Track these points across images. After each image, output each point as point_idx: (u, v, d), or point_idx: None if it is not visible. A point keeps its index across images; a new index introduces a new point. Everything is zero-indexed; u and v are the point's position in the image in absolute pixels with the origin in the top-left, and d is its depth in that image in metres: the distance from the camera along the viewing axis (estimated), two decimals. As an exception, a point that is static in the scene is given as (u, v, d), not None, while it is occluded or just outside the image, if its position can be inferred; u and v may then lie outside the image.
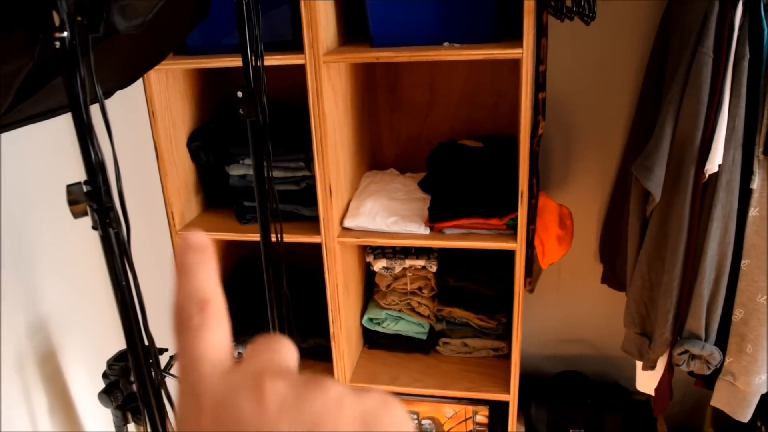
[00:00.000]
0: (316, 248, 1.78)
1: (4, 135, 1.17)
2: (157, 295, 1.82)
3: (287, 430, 0.24)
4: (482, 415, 2.01)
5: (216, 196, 2.01)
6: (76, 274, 1.41)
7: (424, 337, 1.99)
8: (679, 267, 1.50)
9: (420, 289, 1.95)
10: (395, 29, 1.61)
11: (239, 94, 1.10)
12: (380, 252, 1.93)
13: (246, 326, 1.99)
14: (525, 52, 1.47)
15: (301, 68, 1.58)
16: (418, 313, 1.96)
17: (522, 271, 1.67)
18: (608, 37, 1.88)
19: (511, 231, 1.66)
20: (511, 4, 1.57)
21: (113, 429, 1.26)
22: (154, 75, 1.72)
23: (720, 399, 1.60)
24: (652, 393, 1.72)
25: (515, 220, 1.62)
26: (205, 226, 1.89)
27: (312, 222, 1.77)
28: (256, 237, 1.30)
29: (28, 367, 1.27)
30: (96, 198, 0.68)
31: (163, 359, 1.24)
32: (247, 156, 1.81)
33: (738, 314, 1.53)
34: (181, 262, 0.28)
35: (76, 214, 0.69)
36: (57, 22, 0.63)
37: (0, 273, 1.15)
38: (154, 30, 1.10)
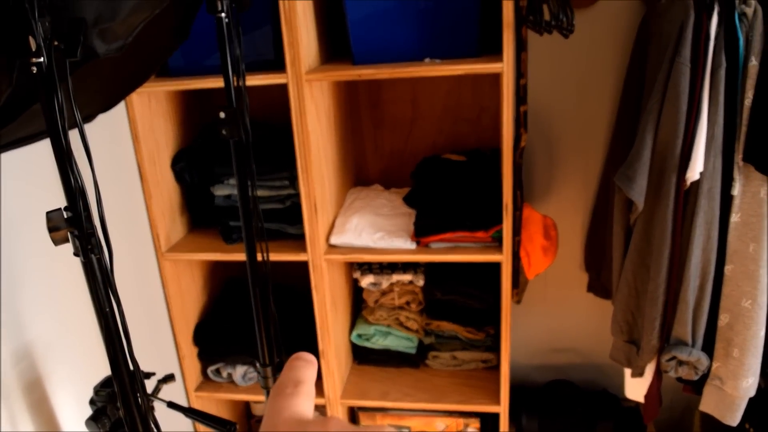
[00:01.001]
0: (303, 266, 1.78)
1: (-15, 161, 1.16)
2: (143, 319, 1.80)
3: None
4: (474, 428, 2.00)
5: (202, 216, 2.01)
6: (62, 300, 1.40)
7: (414, 351, 1.99)
8: (664, 274, 1.51)
9: (408, 303, 1.95)
10: (376, 46, 1.62)
11: (221, 114, 1.10)
12: (367, 268, 1.93)
13: (234, 346, 1.98)
14: (505, 67, 1.49)
15: (284, 87, 1.58)
16: (407, 328, 1.96)
17: (508, 282, 1.68)
18: (587, 49, 1.91)
19: (497, 243, 1.67)
20: (492, 19, 1.59)
21: (101, 455, 1.25)
22: (137, 97, 1.72)
23: (709, 404, 1.61)
24: (642, 400, 1.73)
25: (500, 232, 1.63)
26: (191, 247, 1.88)
27: (298, 240, 1.77)
28: (242, 257, 1.30)
29: (14, 395, 1.25)
30: (77, 224, 0.68)
31: (150, 384, 1.23)
32: (231, 176, 1.81)
33: (724, 319, 1.54)
34: (291, 362, 0.36)
35: (57, 241, 0.69)
36: (33, 47, 0.63)
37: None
38: (135, 52, 1.10)
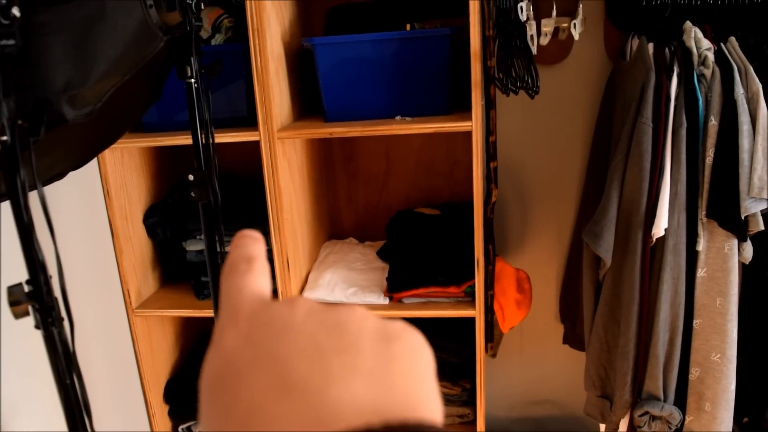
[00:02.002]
0: (276, 322, 1.76)
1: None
2: (112, 375, 1.77)
3: (312, 328, 0.26)
4: (450, 486, 1.97)
5: (173, 271, 1.99)
6: (30, 361, 1.37)
7: (389, 407, 1.97)
8: (634, 329, 1.53)
9: (382, 358, 1.93)
10: (348, 104, 1.65)
11: (190, 177, 1.11)
12: (341, 322, 1.92)
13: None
14: (474, 125, 1.52)
15: (257, 143, 1.60)
16: (382, 383, 1.94)
17: (482, 337, 1.68)
18: (558, 105, 1.95)
19: (470, 298, 1.67)
20: (463, 77, 1.63)
21: None
22: (109, 153, 1.72)
23: (683, 459, 1.60)
24: (618, 455, 1.72)
25: (473, 287, 1.64)
26: (163, 303, 1.86)
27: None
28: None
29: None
30: (38, 298, 0.67)
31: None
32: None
33: (695, 373, 1.55)
34: (236, 241, 0.33)
35: (18, 315, 0.68)
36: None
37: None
38: (107, 114, 1.11)
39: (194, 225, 1.81)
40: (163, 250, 1.97)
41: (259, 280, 0.31)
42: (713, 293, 1.49)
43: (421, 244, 1.82)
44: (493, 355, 1.92)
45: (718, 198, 1.45)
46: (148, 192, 1.92)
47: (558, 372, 2.25)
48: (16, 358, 1.34)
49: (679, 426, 1.57)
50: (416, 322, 1.84)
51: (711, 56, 1.47)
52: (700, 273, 1.49)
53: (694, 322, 1.52)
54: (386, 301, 1.70)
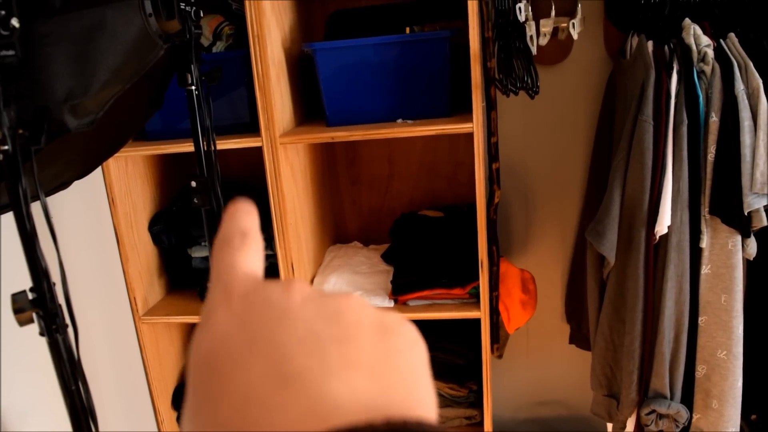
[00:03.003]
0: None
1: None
2: (120, 383, 1.78)
3: (310, 315, 0.26)
4: (459, 488, 1.97)
5: (179, 278, 2.00)
6: (38, 370, 1.38)
7: (396, 410, 1.97)
8: (639, 327, 1.53)
9: (389, 361, 1.94)
10: (349, 108, 1.65)
11: (193, 183, 1.12)
12: (347, 326, 1.92)
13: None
14: (475, 126, 1.52)
15: (260, 149, 1.61)
16: (388, 386, 1.94)
17: (488, 338, 1.68)
18: (559, 105, 1.96)
19: (474, 299, 1.67)
20: (463, 81, 1.63)
21: None
22: (113, 162, 1.73)
23: (692, 457, 1.60)
24: (626, 455, 1.72)
25: (477, 288, 1.64)
26: (170, 309, 1.87)
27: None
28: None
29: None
30: (42, 305, 0.68)
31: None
32: (209, 237, 1.82)
33: (701, 370, 1.55)
34: (230, 213, 0.31)
35: (22, 322, 0.69)
36: (-1, 134, 0.65)
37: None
38: (110, 123, 1.12)
39: (199, 232, 1.82)
40: (168, 257, 1.98)
41: (252, 257, 0.30)
42: (718, 290, 1.49)
43: (425, 246, 1.83)
44: (500, 356, 1.92)
45: (720, 194, 1.45)
46: (153, 199, 1.93)
47: (564, 372, 2.25)
48: (23, 367, 1.35)
49: (686, 424, 1.57)
50: (422, 325, 1.84)
51: (711, 53, 1.47)
52: (705, 270, 1.49)
53: (700, 319, 1.52)
54: (391, 304, 1.70)
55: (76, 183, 1.25)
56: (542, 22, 1.70)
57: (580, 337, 2.05)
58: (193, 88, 1.10)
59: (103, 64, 0.99)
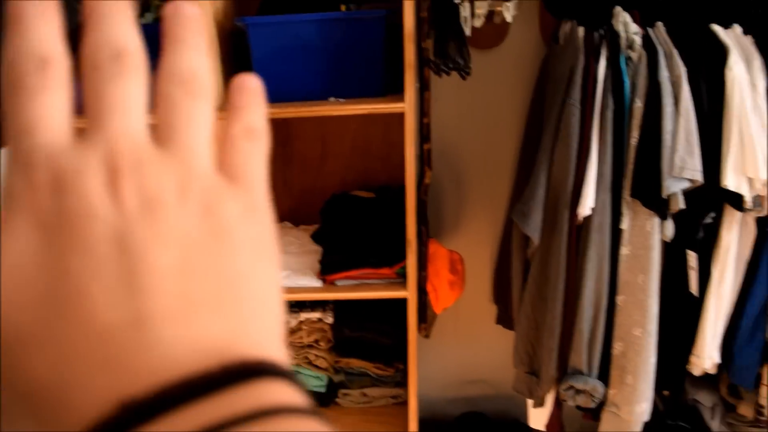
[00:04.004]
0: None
1: None
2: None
3: (152, 241, 0.20)
4: (385, 466, 1.99)
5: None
6: None
7: (323, 390, 1.97)
8: (560, 306, 1.57)
9: (317, 341, 1.93)
10: (282, 86, 1.62)
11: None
12: (276, 305, 1.90)
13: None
14: (407, 106, 1.52)
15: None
16: (316, 366, 1.94)
17: (414, 318, 1.69)
18: (493, 88, 1.98)
19: (402, 279, 1.68)
20: (398, 61, 1.63)
21: None
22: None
23: (606, 429, 1.66)
24: (544, 429, 1.77)
25: (405, 268, 1.65)
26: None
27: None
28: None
29: None
30: None
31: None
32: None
33: (618, 347, 1.60)
34: (15, 12, 0.21)
35: None
36: None
37: None
38: None
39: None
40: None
41: (56, 102, 0.21)
42: (636, 270, 1.54)
43: (355, 226, 1.82)
44: (427, 336, 1.94)
45: (641, 178, 1.50)
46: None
47: (491, 352, 2.29)
48: None
49: (602, 399, 1.63)
50: (350, 304, 1.84)
51: (638, 40, 1.51)
52: (624, 251, 1.54)
53: (618, 298, 1.57)
54: (320, 284, 1.69)
55: None
56: (477, 3, 1.71)
57: (506, 318, 2.09)
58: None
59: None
